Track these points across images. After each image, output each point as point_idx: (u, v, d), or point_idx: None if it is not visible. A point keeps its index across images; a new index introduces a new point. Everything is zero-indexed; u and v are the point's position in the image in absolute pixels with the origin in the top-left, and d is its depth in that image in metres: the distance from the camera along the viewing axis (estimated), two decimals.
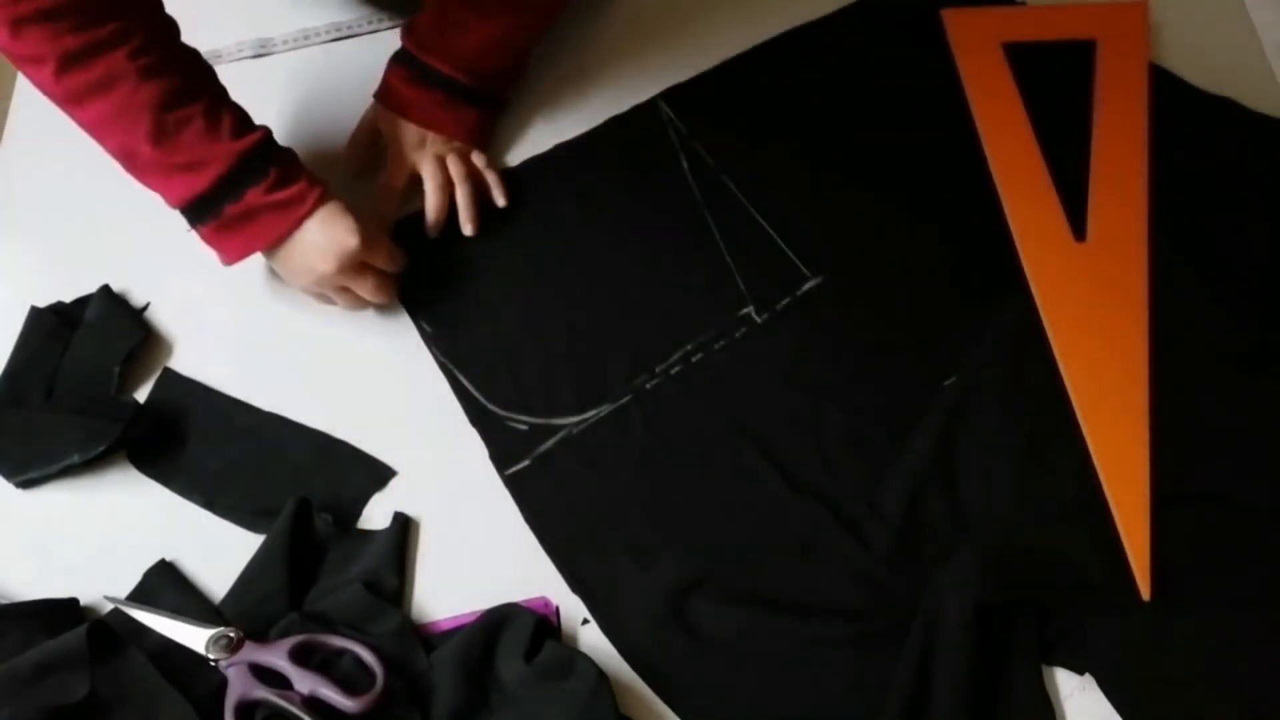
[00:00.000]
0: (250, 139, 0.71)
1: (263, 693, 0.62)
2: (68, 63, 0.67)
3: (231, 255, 0.74)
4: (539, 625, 0.64)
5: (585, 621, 0.66)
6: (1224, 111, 0.81)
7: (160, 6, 0.73)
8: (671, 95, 0.87)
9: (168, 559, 0.70)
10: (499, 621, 0.64)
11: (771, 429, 0.72)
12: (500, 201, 0.82)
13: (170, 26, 0.73)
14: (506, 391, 0.75)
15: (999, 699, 0.61)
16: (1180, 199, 0.78)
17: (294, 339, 0.78)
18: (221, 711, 0.62)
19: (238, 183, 0.71)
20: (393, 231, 0.82)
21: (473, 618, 0.65)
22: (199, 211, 0.72)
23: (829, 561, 0.67)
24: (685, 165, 0.83)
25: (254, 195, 0.71)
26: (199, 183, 0.70)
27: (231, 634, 0.64)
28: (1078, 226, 0.77)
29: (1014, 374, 0.73)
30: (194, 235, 0.74)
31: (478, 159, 0.83)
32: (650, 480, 0.71)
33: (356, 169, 0.85)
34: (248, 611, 0.67)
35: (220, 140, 0.70)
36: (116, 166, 0.72)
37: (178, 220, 0.73)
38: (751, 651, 0.64)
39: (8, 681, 0.62)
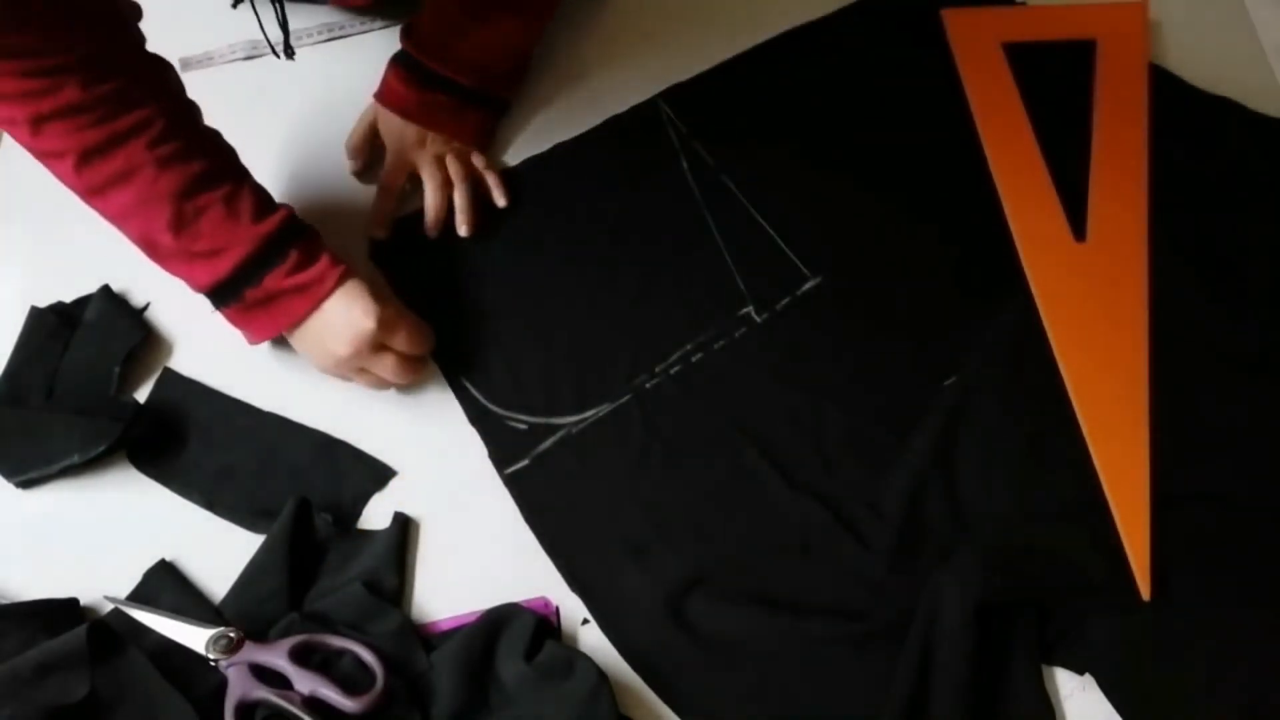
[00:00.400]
0: (271, 221, 0.70)
1: (263, 693, 0.62)
2: (88, 156, 0.66)
3: (257, 335, 0.73)
4: (539, 625, 0.64)
5: (585, 621, 0.66)
6: (1224, 111, 0.82)
7: (182, 92, 0.72)
8: (671, 95, 0.87)
9: (168, 559, 0.70)
10: (499, 621, 0.64)
11: (771, 429, 0.72)
12: (501, 202, 0.82)
13: (191, 110, 0.72)
14: (506, 391, 0.75)
15: (999, 699, 0.61)
16: (1180, 199, 0.78)
17: None
18: (221, 711, 0.62)
19: (260, 265, 0.69)
20: (391, 230, 0.82)
21: (473, 618, 0.65)
22: (221, 296, 0.71)
23: (829, 561, 0.67)
24: (685, 165, 0.83)
25: (273, 279, 0.69)
26: (220, 268, 0.69)
27: (231, 634, 0.64)
28: (1078, 227, 0.77)
29: (1014, 374, 0.73)
30: (219, 316, 0.73)
31: (477, 159, 0.83)
32: (650, 480, 0.71)
33: (356, 169, 0.85)
34: (248, 611, 0.67)
35: (240, 224, 0.69)
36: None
37: None
38: (751, 651, 0.64)
39: (8, 681, 0.62)
